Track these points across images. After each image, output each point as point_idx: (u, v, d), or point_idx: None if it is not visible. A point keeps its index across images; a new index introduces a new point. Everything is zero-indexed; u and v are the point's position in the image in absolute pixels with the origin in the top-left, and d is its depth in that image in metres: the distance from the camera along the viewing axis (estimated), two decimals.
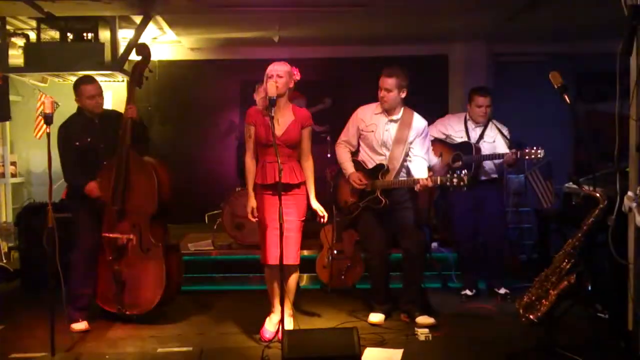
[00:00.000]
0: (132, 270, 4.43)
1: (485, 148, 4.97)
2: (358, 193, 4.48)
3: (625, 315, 3.81)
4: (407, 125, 4.41)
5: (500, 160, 4.90)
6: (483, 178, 5.01)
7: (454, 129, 5.09)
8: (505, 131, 5.02)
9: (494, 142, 4.98)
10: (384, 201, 4.37)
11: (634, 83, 3.65)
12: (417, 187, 4.25)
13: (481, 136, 5.02)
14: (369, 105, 4.56)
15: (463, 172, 4.16)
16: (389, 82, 4.33)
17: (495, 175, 5.08)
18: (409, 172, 4.43)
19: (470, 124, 5.07)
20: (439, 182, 4.21)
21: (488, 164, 5.00)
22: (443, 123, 5.20)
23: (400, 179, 4.42)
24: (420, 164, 4.39)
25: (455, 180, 4.13)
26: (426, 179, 4.23)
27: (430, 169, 4.74)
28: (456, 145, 5.03)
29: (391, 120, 4.43)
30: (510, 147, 4.89)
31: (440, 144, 5.11)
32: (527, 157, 4.74)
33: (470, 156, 4.91)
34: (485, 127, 5.04)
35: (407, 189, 4.49)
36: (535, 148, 4.71)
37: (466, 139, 5.03)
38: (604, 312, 4.29)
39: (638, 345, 3.68)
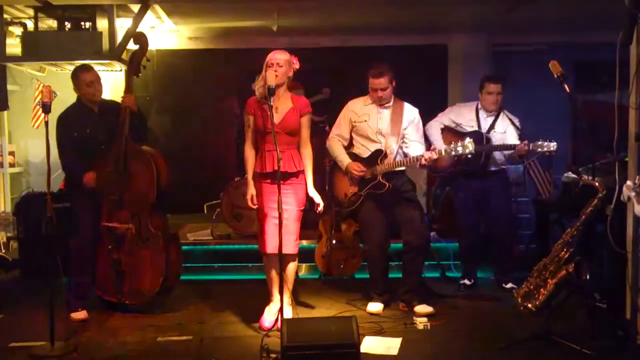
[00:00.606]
0: (132, 259, 4.43)
1: (496, 138, 4.91)
2: (358, 183, 4.47)
3: (624, 304, 3.82)
4: (399, 112, 4.44)
5: (510, 151, 4.86)
6: (492, 169, 4.98)
7: (465, 117, 5.04)
8: (517, 122, 4.97)
9: (504, 132, 4.93)
10: (387, 185, 4.36)
11: (633, 72, 3.65)
12: (422, 161, 4.19)
13: (492, 126, 4.97)
14: (358, 98, 4.58)
15: (467, 139, 4.13)
16: (382, 82, 4.35)
17: (504, 167, 5.05)
18: (406, 157, 4.42)
19: (482, 113, 5.01)
20: (443, 152, 4.18)
21: (498, 155, 4.95)
22: (454, 111, 5.15)
23: (399, 159, 4.40)
24: (417, 147, 4.40)
25: (459, 148, 4.10)
26: (430, 152, 4.19)
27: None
28: (466, 134, 4.93)
29: (384, 108, 4.45)
30: (521, 138, 4.85)
31: (450, 133, 5.05)
32: (539, 150, 4.66)
33: (482, 145, 4.84)
34: (497, 117, 4.98)
35: (407, 179, 4.50)
36: (548, 141, 4.64)
37: (477, 129, 4.98)
38: (602, 301, 4.30)
39: (636, 334, 3.69)
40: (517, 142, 4.82)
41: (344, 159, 4.49)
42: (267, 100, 3.80)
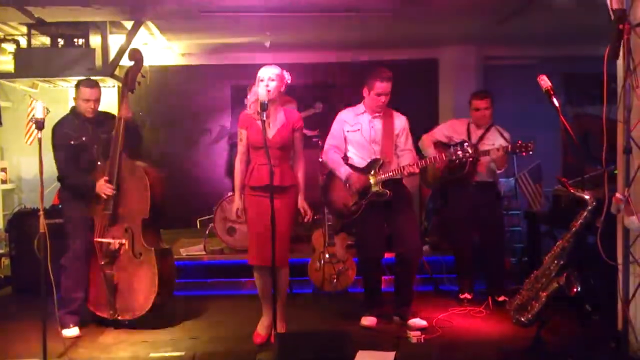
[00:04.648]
0: (124, 275, 4.42)
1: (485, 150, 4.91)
2: (357, 192, 4.48)
3: (615, 315, 3.84)
4: (390, 120, 4.50)
5: (490, 161, 4.87)
6: (479, 179, 5.00)
7: (457, 131, 5.10)
8: (507, 136, 4.99)
9: (493, 144, 4.92)
10: (388, 192, 4.38)
11: (621, 86, 3.70)
12: (405, 172, 4.33)
13: (481, 138, 5.01)
14: (348, 108, 4.62)
15: (465, 144, 4.20)
16: (389, 86, 4.40)
17: (490, 180, 5.06)
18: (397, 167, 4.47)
19: (473, 127, 5.07)
20: (444, 157, 4.31)
21: (484, 166, 4.95)
22: (446, 126, 5.24)
23: (395, 167, 4.44)
24: (409, 156, 4.48)
25: (460, 152, 4.21)
26: (412, 166, 4.32)
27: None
28: (453, 145, 4.95)
29: (375, 117, 4.50)
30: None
31: (441, 147, 5.09)
32: (518, 151, 4.61)
33: (456, 148, 4.82)
34: (487, 130, 5.03)
35: (405, 188, 4.56)
36: (527, 142, 4.59)
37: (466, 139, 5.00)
38: (594, 312, 4.32)
39: (628, 345, 3.71)
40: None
41: (344, 170, 4.47)
42: (259, 115, 3.82)
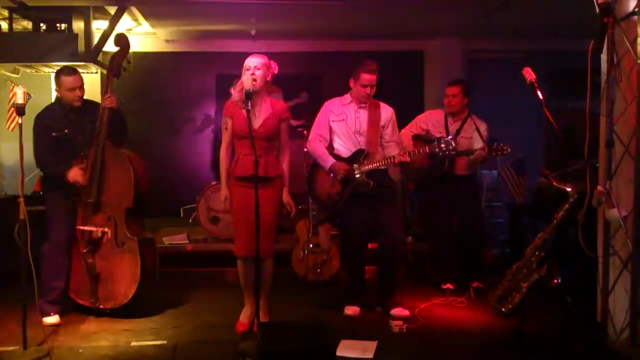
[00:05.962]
0: (107, 263, 4.39)
1: (462, 143, 4.98)
2: (341, 182, 4.49)
3: (595, 307, 3.89)
4: (376, 111, 4.51)
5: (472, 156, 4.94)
6: (459, 174, 5.05)
7: (434, 123, 5.13)
8: (483, 128, 5.03)
9: (471, 137, 5.00)
10: (370, 183, 4.39)
11: (604, 80, 3.73)
12: (395, 161, 4.35)
13: (458, 131, 5.06)
14: (335, 98, 4.63)
15: (449, 137, 4.26)
16: (374, 78, 4.41)
17: (468, 172, 5.11)
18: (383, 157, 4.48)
19: (450, 119, 5.11)
20: (428, 150, 4.33)
21: (463, 160, 5.03)
22: (422, 119, 5.25)
23: (380, 158, 4.46)
24: (394, 148, 4.50)
25: (443, 145, 4.25)
26: (402, 155, 4.35)
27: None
28: (433, 142, 5.03)
29: (361, 107, 4.51)
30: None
31: (419, 141, 5.12)
32: (494, 154, 4.77)
33: (443, 149, 4.90)
34: (464, 122, 5.08)
35: (389, 178, 4.58)
36: (502, 145, 4.73)
37: (444, 134, 5.04)
38: (574, 304, 4.37)
39: (607, 336, 3.76)
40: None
41: (328, 159, 4.49)
42: (245, 104, 3.79)
